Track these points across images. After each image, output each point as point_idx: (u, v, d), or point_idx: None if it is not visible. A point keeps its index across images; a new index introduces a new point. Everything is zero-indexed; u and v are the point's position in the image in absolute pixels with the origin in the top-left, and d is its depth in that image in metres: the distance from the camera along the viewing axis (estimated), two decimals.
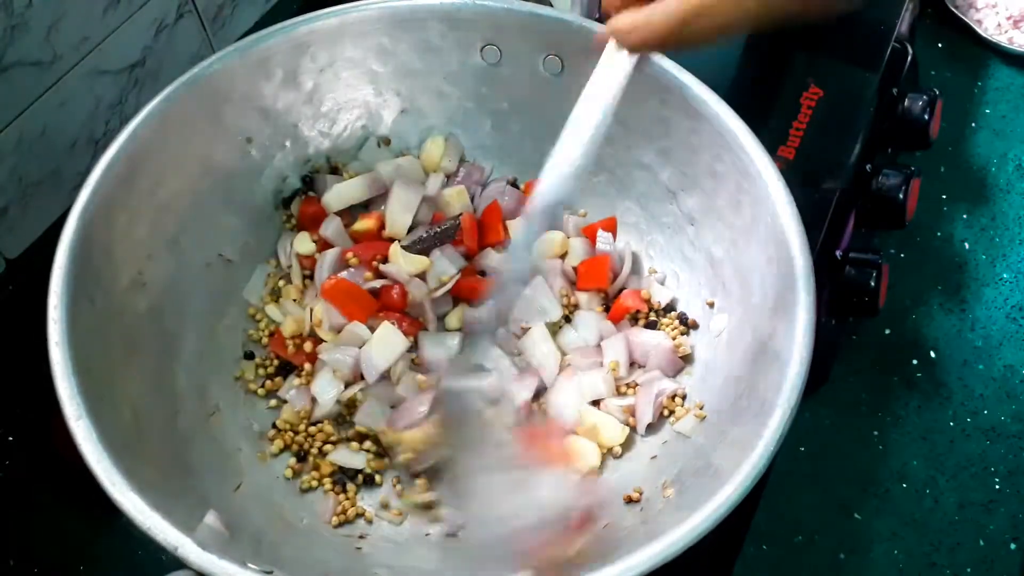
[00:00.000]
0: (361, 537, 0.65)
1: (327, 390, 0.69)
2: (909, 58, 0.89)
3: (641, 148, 0.72)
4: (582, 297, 0.74)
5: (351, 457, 0.68)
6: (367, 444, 0.68)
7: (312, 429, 0.69)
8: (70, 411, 0.52)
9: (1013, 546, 0.75)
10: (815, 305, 0.58)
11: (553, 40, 0.71)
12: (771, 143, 0.63)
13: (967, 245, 0.94)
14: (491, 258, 0.75)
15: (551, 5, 0.74)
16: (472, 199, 0.78)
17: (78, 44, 0.71)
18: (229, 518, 0.56)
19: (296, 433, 0.69)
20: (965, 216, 0.95)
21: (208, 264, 0.71)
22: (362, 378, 0.70)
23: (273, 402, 0.71)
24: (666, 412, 0.68)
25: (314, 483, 0.67)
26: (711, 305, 0.70)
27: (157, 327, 0.65)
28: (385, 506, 0.67)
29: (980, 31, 1.06)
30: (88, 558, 0.67)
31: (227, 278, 0.73)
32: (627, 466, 0.67)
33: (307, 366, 0.71)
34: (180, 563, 0.49)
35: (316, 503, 0.66)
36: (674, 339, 0.71)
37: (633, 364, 0.72)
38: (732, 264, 0.67)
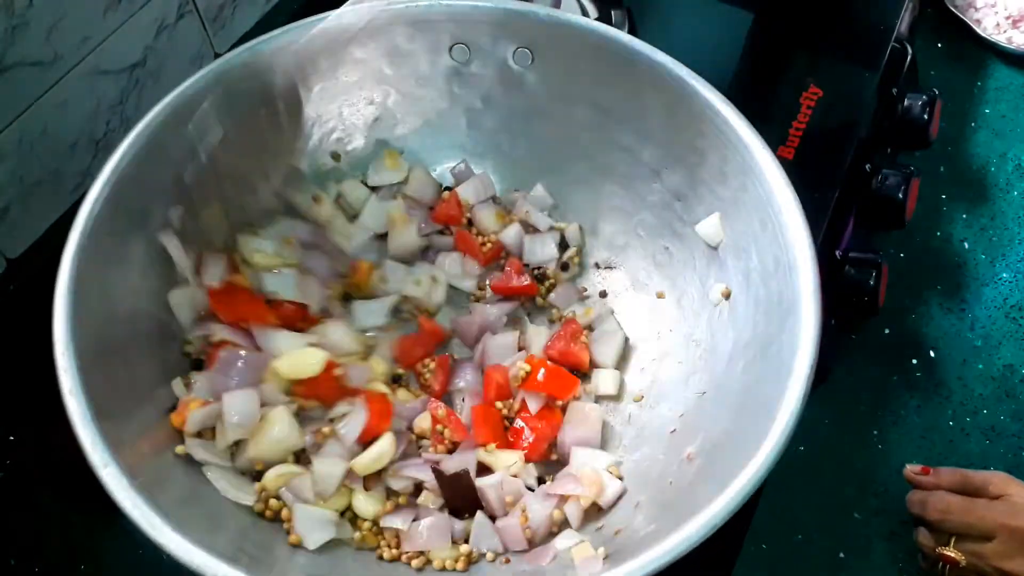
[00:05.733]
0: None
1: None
2: (909, 58, 0.89)
3: (620, 130, 0.72)
4: None
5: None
6: None
7: None
8: (96, 459, 0.51)
9: None
10: (816, 261, 0.58)
11: (522, 33, 0.71)
12: (771, 143, 0.63)
13: (966, 245, 0.94)
14: None
15: None
16: None
17: (79, 44, 0.71)
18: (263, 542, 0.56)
19: None
20: (964, 216, 0.96)
21: None
22: None
23: None
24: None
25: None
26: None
27: (160, 353, 0.64)
28: None
29: (979, 31, 1.06)
30: (89, 556, 0.67)
31: None
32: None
33: None
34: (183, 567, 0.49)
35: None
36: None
37: None
38: (725, 234, 0.67)
